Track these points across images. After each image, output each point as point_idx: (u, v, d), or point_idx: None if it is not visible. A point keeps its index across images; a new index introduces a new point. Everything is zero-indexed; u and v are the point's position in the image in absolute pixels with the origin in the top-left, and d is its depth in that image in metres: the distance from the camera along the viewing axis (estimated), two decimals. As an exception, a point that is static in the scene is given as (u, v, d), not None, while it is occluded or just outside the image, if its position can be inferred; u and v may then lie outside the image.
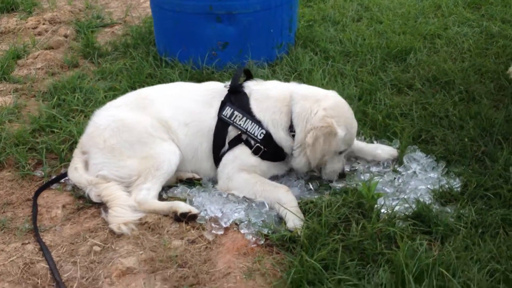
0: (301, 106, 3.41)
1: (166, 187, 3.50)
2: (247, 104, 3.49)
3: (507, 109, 4.16)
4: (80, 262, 2.97)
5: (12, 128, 4.19)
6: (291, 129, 3.42)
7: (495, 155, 3.59)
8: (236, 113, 3.44)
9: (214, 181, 3.55)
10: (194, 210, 3.19)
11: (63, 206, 3.43)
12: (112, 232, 3.15)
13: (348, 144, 3.46)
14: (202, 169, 3.58)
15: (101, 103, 4.21)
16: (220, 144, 3.50)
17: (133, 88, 4.56)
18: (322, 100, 3.42)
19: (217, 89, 3.64)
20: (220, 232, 3.14)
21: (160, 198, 3.42)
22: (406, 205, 3.21)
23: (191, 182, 3.54)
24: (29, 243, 3.12)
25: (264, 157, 3.46)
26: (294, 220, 3.10)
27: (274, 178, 3.57)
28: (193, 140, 3.53)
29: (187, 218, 3.17)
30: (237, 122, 3.43)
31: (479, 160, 3.63)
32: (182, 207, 3.19)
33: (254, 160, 3.45)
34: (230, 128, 3.46)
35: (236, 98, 3.53)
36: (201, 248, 3.04)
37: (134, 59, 5.20)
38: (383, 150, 3.71)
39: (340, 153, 3.45)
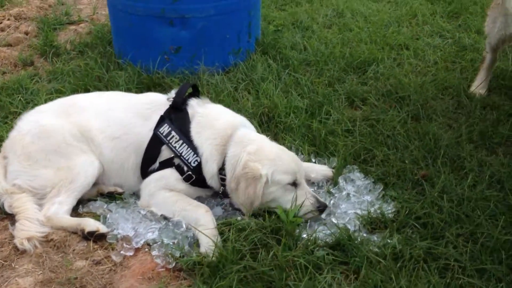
0: (234, 151, 3.21)
1: (85, 201, 3.34)
2: (187, 127, 3.29)
3: (460, 129, 3.96)
4: (-24, 280, 2.82)
5: None
6: (221, 171, 3.23)
7: (434, 180, 3.39)
8: (173, 133, 3.25)
9: (138, 196, 3.38)
10: (102, 229, 3.03)
11: (-23, 217, 3.29)
12: (16, 248, 2.99)
13: (289, 174, 3.15)
14: (127, 183, 3.42)
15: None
16: (150, 161, 3.32)
17: (78, 91, 4.42)
18: (247, 145, 3.21)
19: (158, 102, 3.44)
20: (130, 253, 2.98)
21: (76, 212, 3.27)
22: (328, 232, 3.03)
23: (112, 196, 3.38)
24: None
25: (194, 184, 3.28)
26: (207, 244, 2.92)
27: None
28: (121, 154, 3.35)
29: (95, 237, 3.01)
30: (172, 143, 3.24)
31: (418, 185, 3.43)
32: (90, 224, 3.03)
33: (182, 185, 3.27)
34: (164, 147, 3.28)
35: (177, 117, 3.32)
36: (105, 270, 2.88)
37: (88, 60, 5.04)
38: (317, 172, 3.52)
39: (294, 185, 3.18)
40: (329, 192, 3.44)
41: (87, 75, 4.68)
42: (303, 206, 3.14)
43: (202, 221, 3.06)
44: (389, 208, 3.27)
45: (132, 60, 4.85)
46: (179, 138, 3.23)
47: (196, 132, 3.27)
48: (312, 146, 3.79)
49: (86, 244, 3.02)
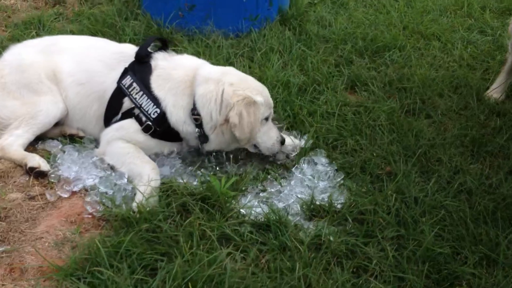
0: (204, 88, 3.22)
1: (46, 138, 3.42)
2: (147, 78, 3.29)
3: (452, 131, 3.67)
4: None
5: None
6: (193, 111, 3.22)
7: (397, 178, 3.18)
8: (134, 85, 3.26)
9: (98, 143, 3.40)
10: (43, 167, 3.09)
11: None
12: (-36, 168, 3.13)
13: (269, 107, 3.32)
14: (89, 129, 3.46)
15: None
16: (113, 112, 3.34)
17: (86, 35, 4.50)
18: (223, 78, 3.24)
19: (126, 53, 3.44)
20: (65, 195, 3.03)
21: (34, 148, 3.35)
22: (259, 210, 2.94)
23: (73, 139, 3.44)
24: None
25: (154, 135, 3.28)
26: (138, 200, 2.91)
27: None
28: (84, 101, 3.40)
29: (35, 173, 3.08)
30: (133, 95, 3.25)
31: (380, 180, 3.24)
32: (32, 160, 3.10)
33: (141, 137, 3.26)
34: (126, 98, 3.29)
35: (140, 69, 3.33)
36: (35, 206, 2.95)
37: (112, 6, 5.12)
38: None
39: (266, 119, 3.31)
40: (287, 168, 3.35)
41: (102, 21, 4.75)
42: (271, 138, 3.31)
43: (145, 177, 3.05)
44: (340, 198, 3.11)
45: (149, 11, 4.87)
46: (140, 89, 3.24)
47: (157, 85, 3.27)
48: (288, 123, 3.66)
49: (27, 179, 3.10)
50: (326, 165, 3.36)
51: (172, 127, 3.25)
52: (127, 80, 3.28)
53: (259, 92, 3.25)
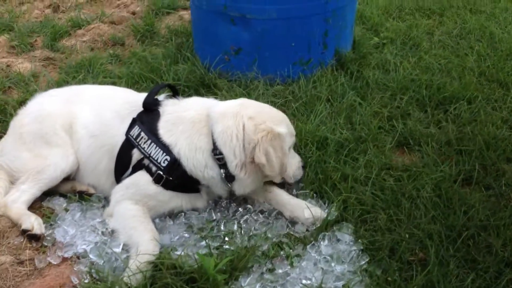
0: (223, 124, 2.98)
1: (56, 194, 3.26)
2: (155, 125, 3.08)
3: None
4: None
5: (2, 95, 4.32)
6: (214, 152, 2.96)
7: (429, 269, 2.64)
8: (142, 134, 3.05)
9: (108, 201, 3.20)
10: (36, 230, 2.91)
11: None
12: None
13: (292, 136, 3.14)
14: (100, 185, 3.28)
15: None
16: (123, 166, 3.13)
17: (123, 81, 4.37)
18: (241, 111, 3.01)
19: (136, 103, 3.25)
20: (55, 262, 2.82)
21: (40, 204, 3.20)
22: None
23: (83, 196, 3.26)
24: None
25: (168, 186, 3.02)
26: (127, 273, 2.64)
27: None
28: (95, 154, 3.23)
29: (28, 236, 2.91)
30: (141, 144, 3.04)
31: (410, 268, 2.70)
32: (27, 222, 2.94)
33: (152, 189, 3.01)
34: (135, 150, 3.08)
35: (148, 117, 3.14)
36: (21, 273, 2.77)
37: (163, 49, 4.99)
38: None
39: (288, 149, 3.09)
40: (303, 242, 2.92)
41: (147, 65, 4.62)
42: (293, 165, 3.18)
43: (141, 248, 2.76)
44: (357, 288, 2.63)
45: (198, 55, 4.68)
46: (148, 138, 3.02)
47: (166, 130, 3.05)
48: (315, 188, 3.23)
49: (22, 240, 2.94)
50: (351, 243, 2.89)
51: (189, 174, 2.98)
52: (135, 131, 3.07)
53: (280, 122, 3.04)
